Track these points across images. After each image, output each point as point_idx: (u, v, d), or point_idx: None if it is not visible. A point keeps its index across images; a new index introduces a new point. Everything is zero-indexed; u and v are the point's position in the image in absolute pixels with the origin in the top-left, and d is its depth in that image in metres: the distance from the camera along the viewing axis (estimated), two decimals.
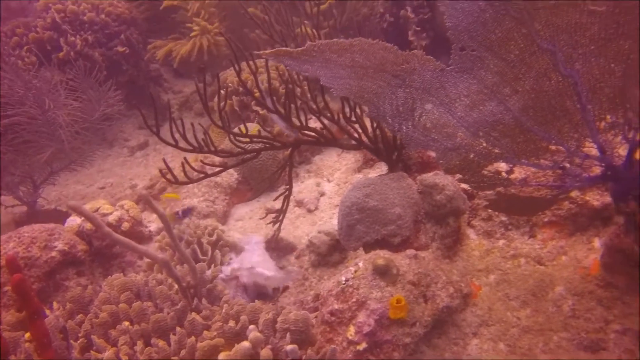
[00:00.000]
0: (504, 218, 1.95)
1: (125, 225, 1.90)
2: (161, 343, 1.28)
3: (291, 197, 2.34)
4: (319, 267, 1.92)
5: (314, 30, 2.03)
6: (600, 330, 1.56)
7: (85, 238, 1.87)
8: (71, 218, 1.96)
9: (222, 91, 2.66)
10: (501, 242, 1.94)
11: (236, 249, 1.81)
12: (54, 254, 1.72)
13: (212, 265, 1.72)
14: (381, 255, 1.52)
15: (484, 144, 1.49)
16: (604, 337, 1.55)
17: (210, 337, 1.31)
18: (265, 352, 1.28)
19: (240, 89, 2.56)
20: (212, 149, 1.47)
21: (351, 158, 2.48)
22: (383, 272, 1.50)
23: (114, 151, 3.21)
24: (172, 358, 1.26)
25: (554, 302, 1.68)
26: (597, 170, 1.50)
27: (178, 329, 1.30)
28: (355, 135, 1.69)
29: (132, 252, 1.63)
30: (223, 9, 3.24)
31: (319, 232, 1.91)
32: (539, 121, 1.41)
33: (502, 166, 1.69)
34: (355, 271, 1.55)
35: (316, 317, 1.62)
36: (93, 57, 3.02)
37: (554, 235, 1.88)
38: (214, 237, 1.78)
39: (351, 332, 1.48)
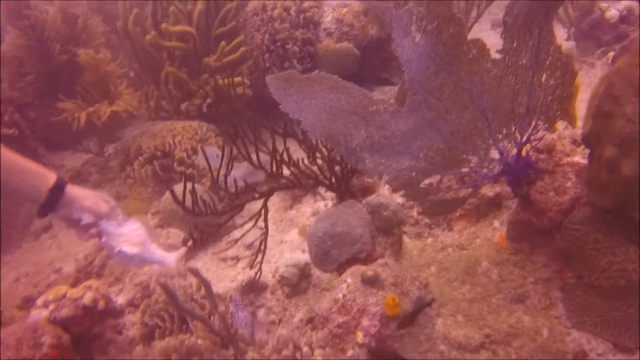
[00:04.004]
0: (427, 220, 2.41)
1: (101, 304, 1.89)
2: None
3: (239, 242, 2.52)
4: (293, 297, 2.15)
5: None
6: (522, 285, 2.06)
7: (60, 326, 1.82)
8: (34, 312, 1.88)
9: (140, 158, 2.72)
10: (429, 239, 2.38)
11: (223, 299, 1.95)
12: (45, 350, 1.66)
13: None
14: (368, 268, 1.83)
15: (423, 164, 1.91)
16: (526, 290, 2.05)
17: None
18: None
19: (159, 153, 2.64)
20: (211, 210, 1.63)
21: (276, 199, 2.74)
22: (373, 281, 1.81)
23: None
24: None
25: (483, 274, 2.16)
26: (497, 169, 2.02)
27: None
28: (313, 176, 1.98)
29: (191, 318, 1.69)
30: None
31: (287, 266, 2.14)
32: (461, 140, 1.87)
33: (433, 179, 2.13)
34: (348, 287, 1.83)
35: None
36: None
37: (466, 225, 2.38)
38: (203, 292, 1.89)
39: (360, 336, 1.76)
